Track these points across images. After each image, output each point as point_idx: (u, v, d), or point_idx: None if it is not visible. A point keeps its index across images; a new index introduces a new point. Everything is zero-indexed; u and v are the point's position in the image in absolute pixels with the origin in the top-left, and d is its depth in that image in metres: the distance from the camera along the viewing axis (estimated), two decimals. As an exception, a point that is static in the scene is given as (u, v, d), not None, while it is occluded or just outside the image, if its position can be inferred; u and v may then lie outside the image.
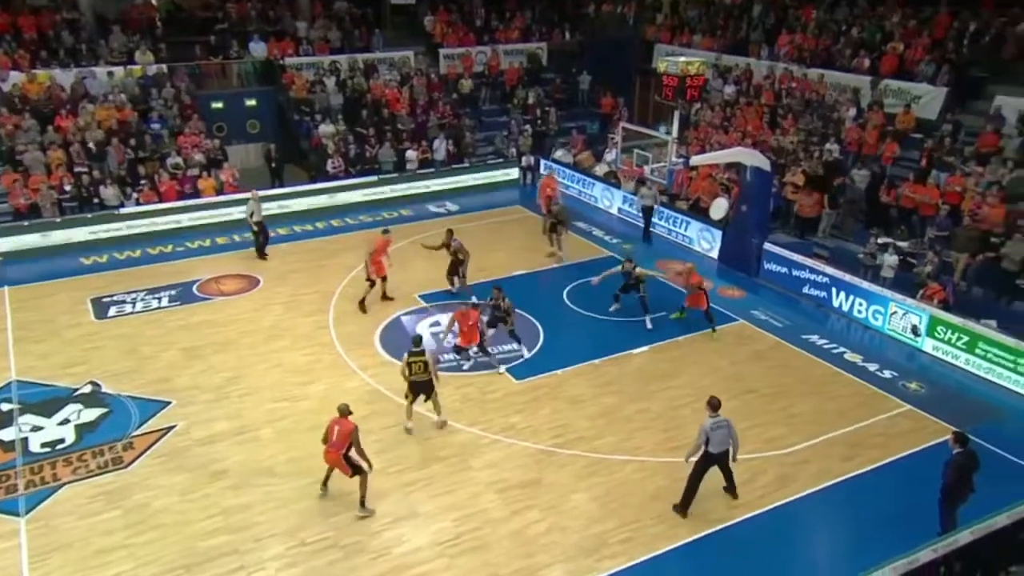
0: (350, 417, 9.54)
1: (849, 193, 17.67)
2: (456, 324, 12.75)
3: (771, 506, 9.83)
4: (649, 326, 14.22)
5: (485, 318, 13.32)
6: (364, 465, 9.60)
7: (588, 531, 9.40)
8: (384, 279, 15.11)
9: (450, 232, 15.59)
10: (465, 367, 12.98)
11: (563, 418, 11.62)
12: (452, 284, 15.64)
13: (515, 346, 13.42)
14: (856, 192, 17.68)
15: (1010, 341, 12.49)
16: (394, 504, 9.82)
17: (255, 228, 17.23)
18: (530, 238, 18.65)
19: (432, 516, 9.64)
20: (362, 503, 9.62)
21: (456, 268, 15.51)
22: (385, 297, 15.25)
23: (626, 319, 14.59)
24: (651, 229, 18.98)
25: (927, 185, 16.65)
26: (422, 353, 10.90)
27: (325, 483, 9.95)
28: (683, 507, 9.62)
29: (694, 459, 9.52)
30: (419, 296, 15.58)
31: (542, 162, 23.47)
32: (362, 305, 14.82)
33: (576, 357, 13.25)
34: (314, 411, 11.70)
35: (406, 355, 10.90)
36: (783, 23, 23.98)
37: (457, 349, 12.97)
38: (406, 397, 11.11)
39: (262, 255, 17.42)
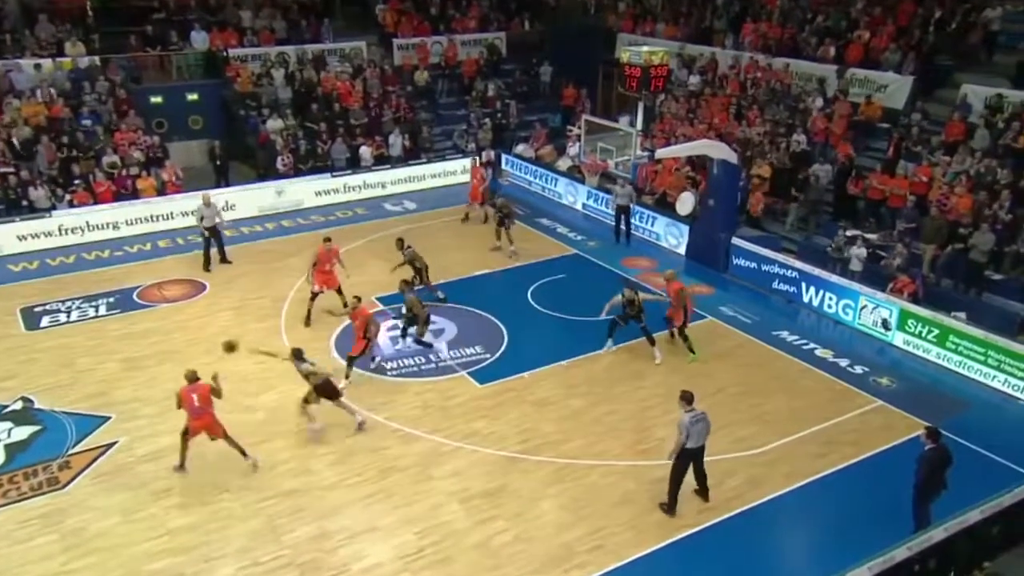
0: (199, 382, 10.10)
1: (811, 193, 17.87)
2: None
3: (743, 508, 9.96)
4: (658, 360, 13.31)
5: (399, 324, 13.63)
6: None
7: (556, 540, 9.43)
8: (338, 291, 14.38)
9: (400, 241, 15.29)
10: (371, 366, 12.96)
11: (529, 422, 11.64)
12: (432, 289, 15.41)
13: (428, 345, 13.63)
14: (818, 190, 17.91)
15: (979, 333, 12.86)
16: (352, 518, 9.74)
17: (205, 234, 16.63)
18: (491, 237, 18.61)
19: (392, 529, 9.57)
20: (244, 453, 10.41)
21: (420, 277, 15.16)
22: (308, 319, 14.32)
23: (593, 318, 14.65)
24: (631, 230, 18.60)
25: (895, 176, 17.07)
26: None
27: (183, 464, 10.39)
28: (671, 506, 9.74)
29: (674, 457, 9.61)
30: (376, 298, 15.45)
31: (503, 157, 23.50)
32: (307, 320, 14.33)
33: (543, 359, 13.28)
34: (266, 422, 11.56)
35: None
36: (748, 11, 24.37)
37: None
38: (307, 401, 11.10)
39: (222, 260, 16.90)
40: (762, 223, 18.53)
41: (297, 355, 11.08)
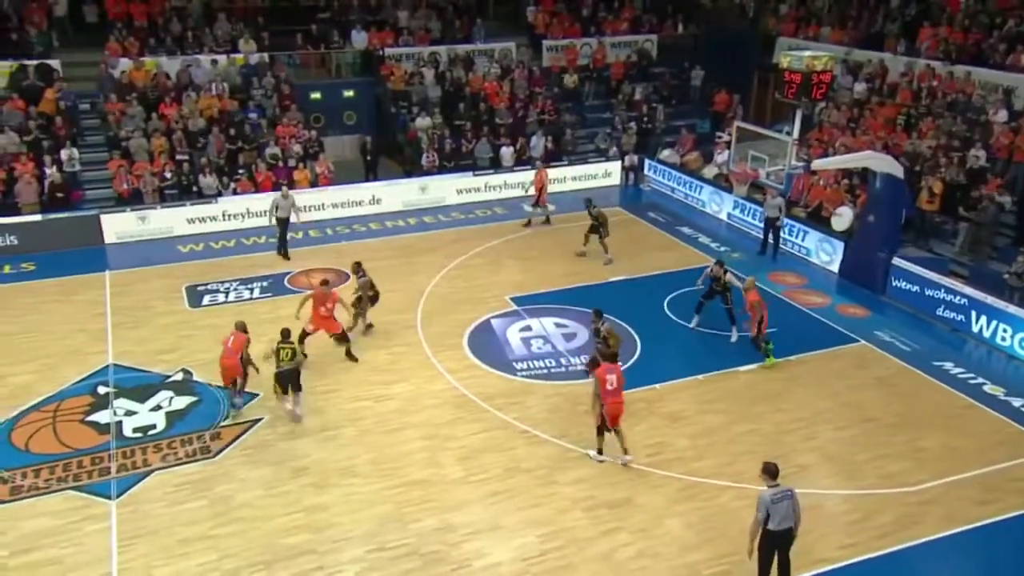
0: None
1: (984, 216, 16.32)
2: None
3: (890, 549, 9.35)
4: (734, 339, 13.89)
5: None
6: (252, 370, 12.03)
7: (680, 560, 9.22)
8: (340, 337, 13.41)
9: (357, 265, 14.28)
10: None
11: (660, 435, 11.44)
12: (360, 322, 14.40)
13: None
14: (990, 215, 16.36)
15: None
16: (476, 514, 9.93)
17: (277, 225, 17.49)
18: (630, 243, 18.47)
19: (515, 530, 9.68)
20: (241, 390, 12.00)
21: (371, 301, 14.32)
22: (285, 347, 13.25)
23: (731, 335, 14.23)
24: (779, 244, 18.09)
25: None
26: (291, 342, 11.84)
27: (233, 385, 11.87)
28: None
29: (756, 541, 8.40)
30: (509, 298, 15.69)
31: (646, 162, 23.22)
32: (349, 354, 13.56)
33: (677, 371, 13.04)
34: (397, 412, 12.01)
35: (276, 343, 11.73)
36: (926, 14, 22.82)
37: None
38: (275, 392, 11.76)
39: (283, 254, 17.61)
40: (930, 243, 17.28)
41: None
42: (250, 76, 22.81)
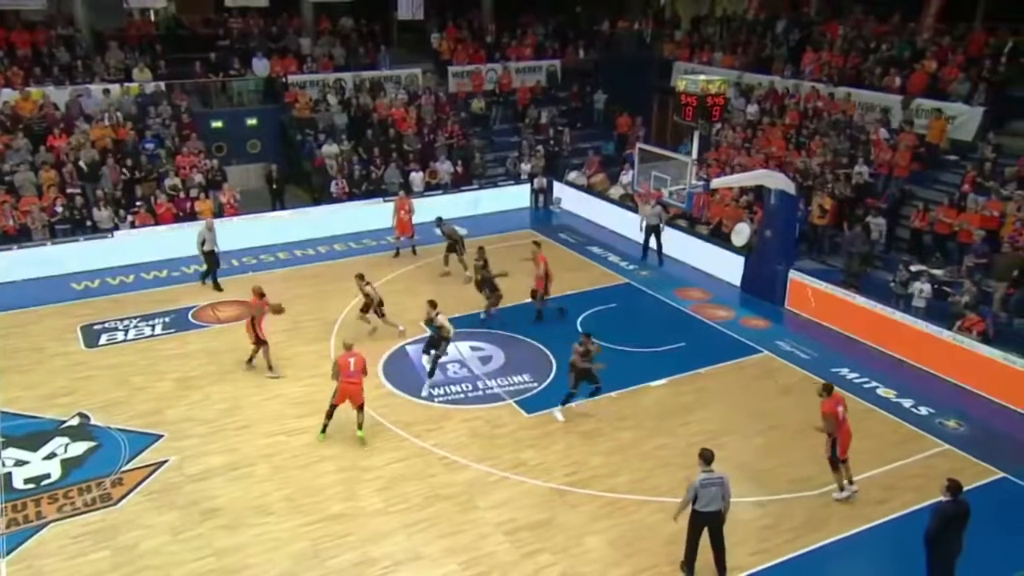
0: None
1: (855, 242, 16.80)
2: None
3: (799, 552, 9.69)
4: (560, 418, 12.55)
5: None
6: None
7: (603, 577, 9.29)
8: (256, 342, 13.59)
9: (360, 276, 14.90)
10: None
11: (577, 454, 11.55)
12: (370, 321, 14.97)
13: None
14: (861, 240, 16.80)
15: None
16: (396, 545, 9.75)
17: (204, 257, 17.13)
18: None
19: (437, 559, 9.55)
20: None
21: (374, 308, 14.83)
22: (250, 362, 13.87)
23: (643, 349, 14.56)
24: (662, 250, 19.12)
25: (965, 210, 16.61)
26: None
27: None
28: (688, 568, 9.19)
29: (683, 520, 9.02)
30: (424, 324, 15.56)
31: (555, 184, 23.61)
32: (268, 368, 13.68)
33: (591, 389, 13.17)
34: (312, 445, 11.70)
35: None
36: (808, 40, 24.17)
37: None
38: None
39: (216, 287, 17.24)
40: (823, 256, 18.18)
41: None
42: (146, 105, 22.03)
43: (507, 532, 9.98)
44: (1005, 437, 12.15)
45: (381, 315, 14.91)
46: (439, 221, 18.15)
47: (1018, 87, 19.06)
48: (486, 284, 15.69)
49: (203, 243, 17.09)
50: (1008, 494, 10.77)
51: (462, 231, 18.92)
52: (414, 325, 15.43)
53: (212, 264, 17.28)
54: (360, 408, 11.73)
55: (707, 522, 8.92)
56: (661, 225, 19.05)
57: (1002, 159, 17.62)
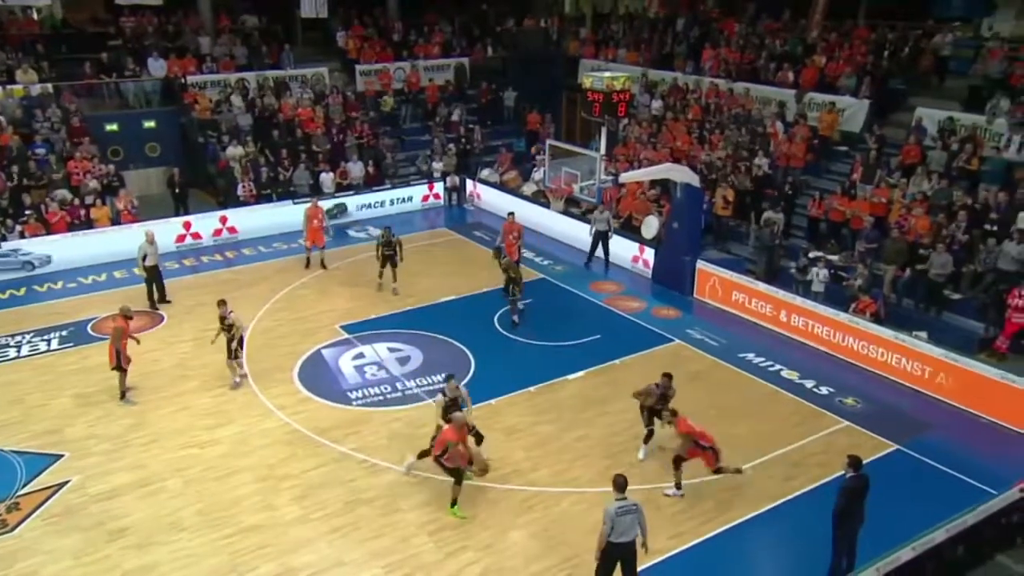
0: None
1: (762, 238, 17.40)
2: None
3: (713, 533, 10.00)
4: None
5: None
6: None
7: (527, 570, 9.35)
8: (121, 370, 12.68)
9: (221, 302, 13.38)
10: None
11: (498, 451, 11.57)
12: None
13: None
14: (767, 239, 17.33)
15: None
16: (317, 553, 9.56)
17: (146, 274, 16.10)
18: (458, 262, 18.66)
19: (360, 564, 9.42)
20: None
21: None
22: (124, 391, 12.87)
23: (561, 343, 14.73)
24: (609, 257, 18.71)
25: (856, 198, 17.48)
26: None
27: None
28: None
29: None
30: (341, 327, 15.33)
31: (467, 182, 23.59)
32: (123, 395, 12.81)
33: (510, 385, 13.26)
34: (226, 456, 11.36)
35: None
36: (707, 37, 24.93)
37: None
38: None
39: (162, 300, 16.35)
40: (727, 245, 18.82)
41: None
42: (32, 108, 20.81)
43: (430, 532, 9.93)
44: (897, 412, 12.87)
45: (234, 355, 13.15)
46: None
47: (898, 80, 20.23)
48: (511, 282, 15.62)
49: (144, 258, 15.95)
50: (901, 465, 11.41)
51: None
52: (327, 329, 15.22)
53: (158, 279, 16.27)
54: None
55: (621, 555, 8.44)
56: (610, 232, 18.56)
57: (887, 149, 18.65)
